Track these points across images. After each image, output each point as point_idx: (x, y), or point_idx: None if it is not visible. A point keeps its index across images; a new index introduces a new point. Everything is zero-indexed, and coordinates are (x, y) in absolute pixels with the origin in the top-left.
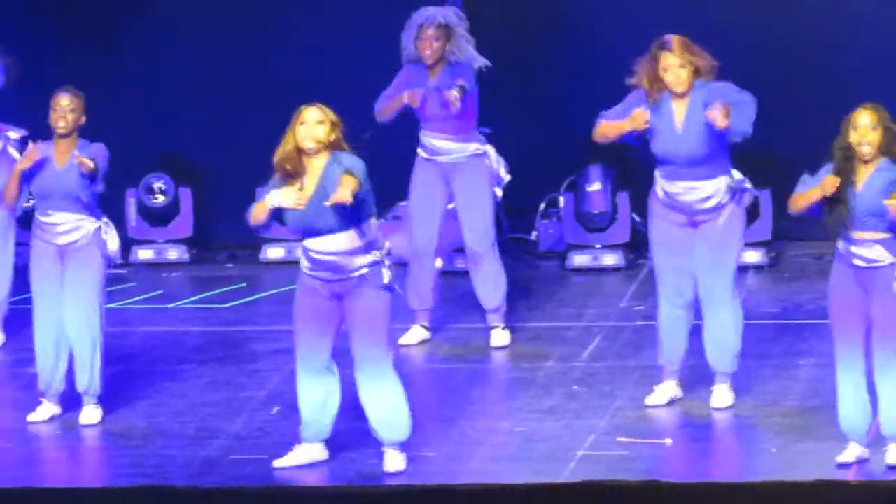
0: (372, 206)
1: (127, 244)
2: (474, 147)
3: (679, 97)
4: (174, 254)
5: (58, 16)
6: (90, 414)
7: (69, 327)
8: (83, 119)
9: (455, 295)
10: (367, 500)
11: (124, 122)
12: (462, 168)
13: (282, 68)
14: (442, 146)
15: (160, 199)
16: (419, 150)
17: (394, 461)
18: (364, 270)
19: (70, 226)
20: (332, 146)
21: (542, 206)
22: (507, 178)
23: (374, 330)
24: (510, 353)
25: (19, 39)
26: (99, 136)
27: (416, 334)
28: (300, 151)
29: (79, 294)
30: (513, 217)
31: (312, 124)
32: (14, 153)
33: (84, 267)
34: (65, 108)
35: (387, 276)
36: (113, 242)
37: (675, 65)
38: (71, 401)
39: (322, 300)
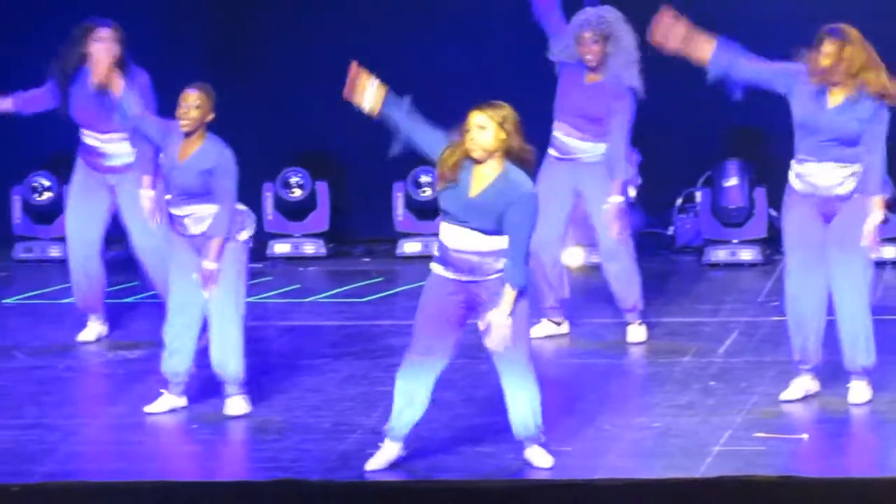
0: None
1: (263, 238)
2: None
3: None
4: (311, 248)
5: (194, 10)
6: (237, 405)
7: (213, 316)
8: (210, 116)
9: (590, 289)
10: (506, 494)
11: (261, 117)
12: (593, 168)
13: (418, 61)
14: (575, 146)
15: (297, 193)
16: (550, 150)
17: (541, 458)
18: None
19: (199, 216)
20: (504, 153)
21: (680, 201)
22: (638, 180)
23: (513, 331)
24: (647, 348)
25: (158, 35)
26: (236, 130)
27: (545, 328)
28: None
29: (220, 282)
30: (650, 212)
31: (476, 130)
32: None
33: (222, 259)
34: (190, 104)
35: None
36: (248, 229)
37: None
38: (197, 393)
39: (451, 300)
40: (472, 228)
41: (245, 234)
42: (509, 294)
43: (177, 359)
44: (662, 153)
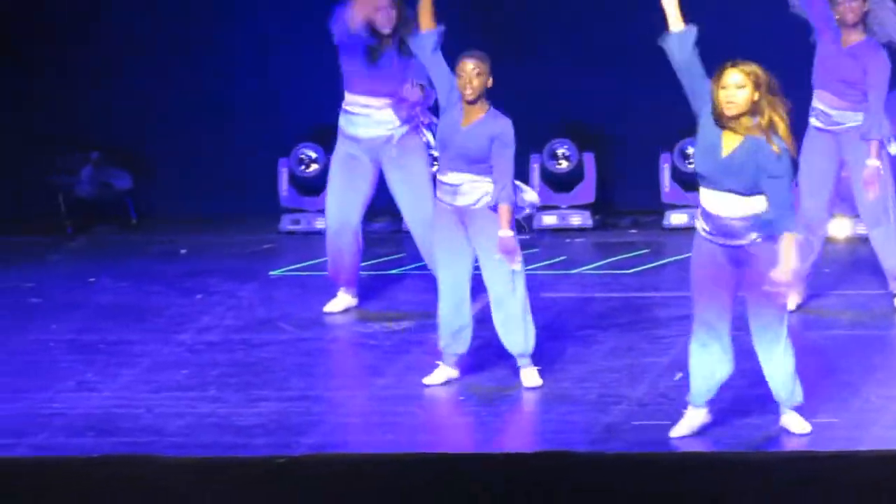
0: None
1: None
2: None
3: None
4: (577, 220)
5: None
6: (530, 376)
7: (492, 288)
8: (490, 82)
9: (856, 260)
10: (767, 465)
11: (529, 90)
12: (856, 139)
13: None
14: (838, 115)
15: (564, 164)
16: (812, 120)
17: (798, 424)
18: (759, 239)
19: (468, 187)
20: (757, 112)
21: None
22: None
23: (771, 297)
24: None
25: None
26: (504, 104)
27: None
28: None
29: (493, 254)
30: None
31: (733, 89)
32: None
33: (490, 227)
34: (470, 72)
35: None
36: (528, 196)
37: None
38: (465, 366)
39: (720, 266)
40: (727, 190)
41: (526, 207)
42: (788, 246)
43: (457, 337)
44: None
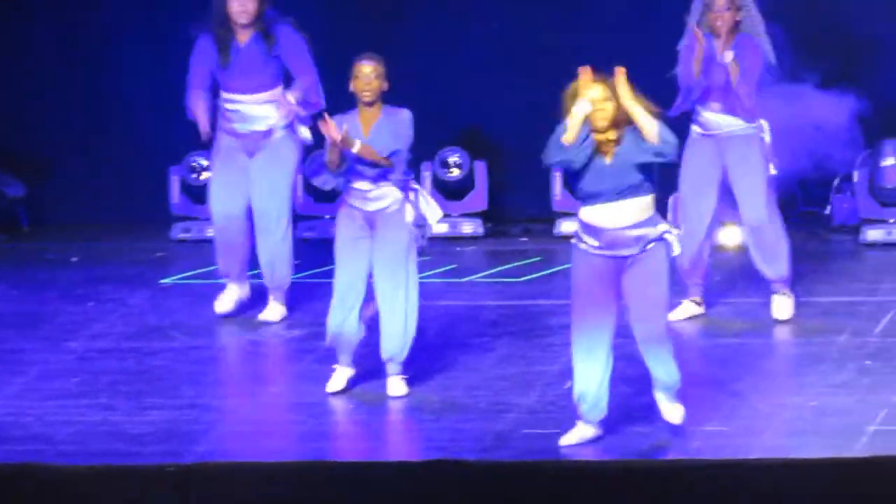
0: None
1: None
2: (754, 123)
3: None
4: (469, 227)
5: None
6: (397, 385)
7: (379, 294)
8: (386, 85)
9: (740, 268)
10: (658, 474)
11: (419, 97)
12: (736, 142)
13: (574, 42)
14: (718, 121)
15: (455, 172)
16: (693, 127)
17: (674, 412)
18: (650, 245)
19: (377, 193)
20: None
21: (837, 181)
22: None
23: (656, 304)
24: (801, 327)
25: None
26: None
27: (687, 310)
28: None
29: (389, 260)
30: (808, 191)
31: (600, 103)
32: (304, 132)
33: (394, 233)
34: (368, 74)
35: (675, 246)
36: (421, 211)
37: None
38: (365, 374)
39: (603, 276)
40: (618, 198)
41: (410, 214)
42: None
43: (347, 338)
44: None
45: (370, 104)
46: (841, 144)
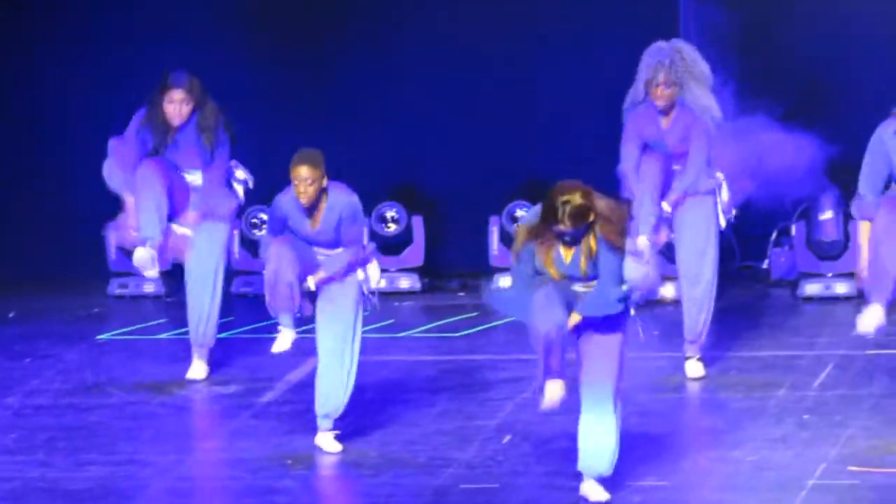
0: None
1: None
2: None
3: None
4: (406, 283)
5: (281, 53)
6: (329, 441)
7: (321, 348)
8: (325, 183)
9: (671, 322)
10: None
11: (356, 153)
12: (688, 202)
13: (512, 98)
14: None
15: (392, 227)
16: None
17: (598, 493)
18: None
19: (332, 254)
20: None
21: (775, 234)
22: (732, 212)
23: (607, 362)
24: (740, 381)
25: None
26: (332, 166)
27: None
28: None
29: (335, 316)
30: (745, 245)
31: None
32: (238, 188)
33: (343, 289)
34: (304, 181)
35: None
36: (372, 275)
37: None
38: (292, 429)
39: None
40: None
41: (361, 274)
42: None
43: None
44: (758, 186)
45: (310, 208)
46: (796, 179)
